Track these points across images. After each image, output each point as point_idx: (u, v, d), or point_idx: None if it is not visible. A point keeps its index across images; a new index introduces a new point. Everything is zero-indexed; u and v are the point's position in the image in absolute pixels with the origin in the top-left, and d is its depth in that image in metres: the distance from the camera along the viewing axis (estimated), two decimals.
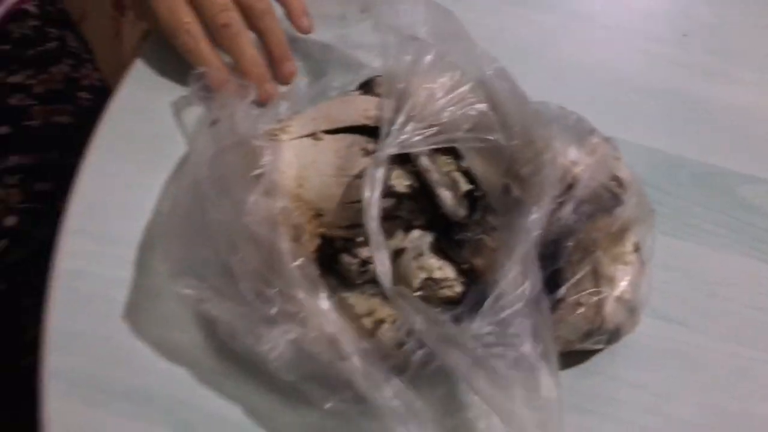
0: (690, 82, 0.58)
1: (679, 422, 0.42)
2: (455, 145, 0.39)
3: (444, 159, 0.42)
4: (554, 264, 0.39)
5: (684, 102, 0.57)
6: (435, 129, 0.39)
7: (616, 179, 0.44)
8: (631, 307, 0.41)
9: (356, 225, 0.40)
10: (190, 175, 0.41)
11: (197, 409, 0.40)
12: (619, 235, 0.42)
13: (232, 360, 0.41)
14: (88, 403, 0.40)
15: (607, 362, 0.44)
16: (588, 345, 0.42)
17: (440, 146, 0.39)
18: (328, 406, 0.37)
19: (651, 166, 0.53)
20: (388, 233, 0.42)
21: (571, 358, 0.43)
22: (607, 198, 0.43)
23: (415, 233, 0.42)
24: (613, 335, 0.41)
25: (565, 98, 0.47)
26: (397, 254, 0.42)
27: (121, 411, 0.40)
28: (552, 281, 0.39)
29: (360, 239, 0.41)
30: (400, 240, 0.42)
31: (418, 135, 0.39)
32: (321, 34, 0.55)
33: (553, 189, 0.40)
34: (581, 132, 0.47)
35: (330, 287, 0.41)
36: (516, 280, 0.36)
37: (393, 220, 0.41)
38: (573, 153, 0.44)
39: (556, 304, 0.39)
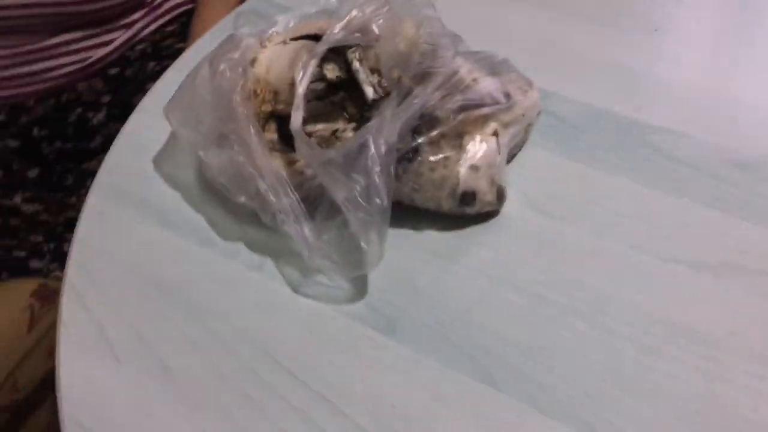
0: (630, 57, 0.68)
1: (523, 280, 0.52)
2: (362, 44, 0.55)
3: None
4: (421, 129, 0.52)
5: (621, 70, 0.67)
6: (357, 35, 0.55)
7: (507, 94, 0.57)
8: (486, 177, 0.53)
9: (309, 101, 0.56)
10: (197, 67, 0.60)
11: (179, 215, 0.58)
12: (484, 121, 0.54)
13: (209, 190, 0.58)
14: (121, 205, 0.59)
15: (479, 232, 0.55)
16: (453, 207, 0.54)
17: (355, 43, 0.55)
18: (241, 199, 0.53)
19: (580, 114, 0.63)
20: (330, 117, 0.58)
21: (451, 223, 0.55)
22: (489, 101, 0.55)
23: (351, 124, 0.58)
24: (468, 197, 0.53)
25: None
26: (333, 132, 0.58)
27: (135, 213, 0.59)
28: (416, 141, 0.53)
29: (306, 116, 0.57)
30: (340, 125, 0.58)
31: (342, 38, 0.55)
32: None
33: (436, 85, 0.54)
34: (502, 67, 0.60)
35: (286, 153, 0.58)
36: (375, 131, 0.50)
37: (323, 99, 0.57)
38: (477, 73, 0.57)
39: (413, 156, 0.52)
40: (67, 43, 0.95)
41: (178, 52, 0.99)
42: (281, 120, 0.59)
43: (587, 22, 0.73)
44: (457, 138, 0.54)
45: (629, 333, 0.49)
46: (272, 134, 0.58)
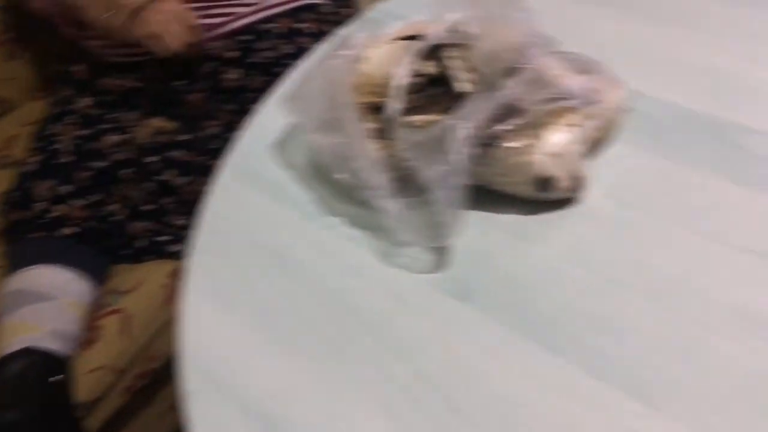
0: (725, 61, 0.70)
1: (594, 262, 0.55)
2: (458, 43, 0.60)
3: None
4: (504, 118, 0.57)
5: (715, 73, 0.69)
6: (453, 35, 0.61)
7: (591, 91, 0.60)
8: (563, 165, 0.57)
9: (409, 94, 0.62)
10: (313, 65, 0.67)
11: (289, 191, 0.65)
12: (564, 113, 0.58)
13: (316, 172, 0.66)
14: (243, 182, 0.68)
15: (558, 217, 0.59)
16: (532, 192, 0.58)
17: (451, 42, 0.60)
18: (341, 176, 0.59)
19: (670, 114, 0.66)
20: (428, 110, 0.64)
21: (532, 208, 0.59)
22: (571, 96, 0.59)
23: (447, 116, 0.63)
24: (545, 182, 0.57)
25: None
26: (429, 123, 0.63)
27: (252, 188, 0.67)
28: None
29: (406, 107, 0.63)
30: (436, 117, 0.63)
31: (439, 38, 0.61)
32: None
33: (522, 80, 0.58)
34: (591, 68, 0.64)
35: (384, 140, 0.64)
36: (459, 118, 0.55)
37: (420, 92, 0.62)
38: (564, 71, 0.61)
39: (495, 142, 0.57)
40: (208, 7, 1.12)
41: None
42: (383, 111, 0.65)
43: (683, 28, 0.75)
44: (538, 128, 0.58)
45: (691, 313, 0.50)
46: (374, 124, 0.65)
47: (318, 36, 1.16)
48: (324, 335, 0.54)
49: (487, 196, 0.59)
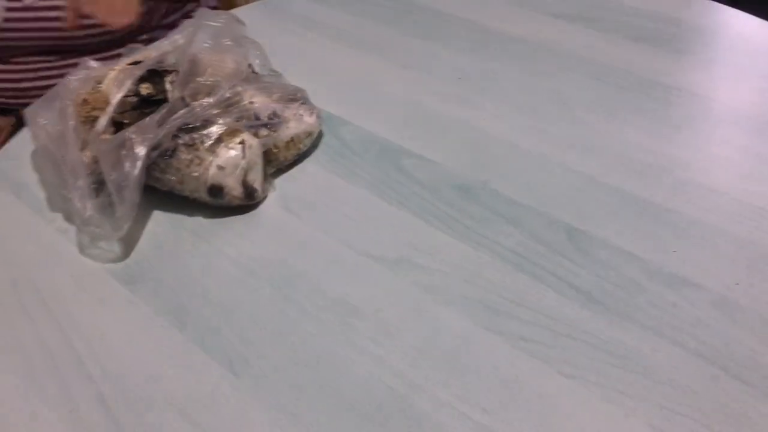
0: (429, 100, 0.78)
1: (249, 259, 0.63)
2: (167, 68, 0.68)
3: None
4: (182, 134, 0.65)
5: (413, 108, 0.77)
6: (160, 63, 0.69)
7: (274, 115, 0.69)
8: (233, 176, 0.65)
9: (126, 111, 0.70)
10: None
11: (29, 189, 0.73)
12: (238, 132, 0.66)
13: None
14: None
15: (235, 221, 0.67)
16: (208, 198, 0.66)
17: (163, 68, 0.69)
18: (55, 180, 0.67)
19: (360, 140, 0.74)
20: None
21: (216, 213, 0.67)
22: (253, 119, 0.67)
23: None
24: (216, 191, 0.65)
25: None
26: None
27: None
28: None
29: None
30: None
31: (154, 64, 0.69)
32: None
33: (210, 102, 0.66)
34: (295, 96, 0.72)
35: None
36: (136, 130, 0.63)
37: (135, 110, 0.70)
38: (258, 98, 0.70)
39: (172, 154, 0.65)
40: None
41: None
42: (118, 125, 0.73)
43: (401, 68, 0.84)
44: (215, 144, 0.66)
45: (300, 301, 0.58)
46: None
47: None
48: (8, 326, 0.61)
49: (177, 201, 0.67)
